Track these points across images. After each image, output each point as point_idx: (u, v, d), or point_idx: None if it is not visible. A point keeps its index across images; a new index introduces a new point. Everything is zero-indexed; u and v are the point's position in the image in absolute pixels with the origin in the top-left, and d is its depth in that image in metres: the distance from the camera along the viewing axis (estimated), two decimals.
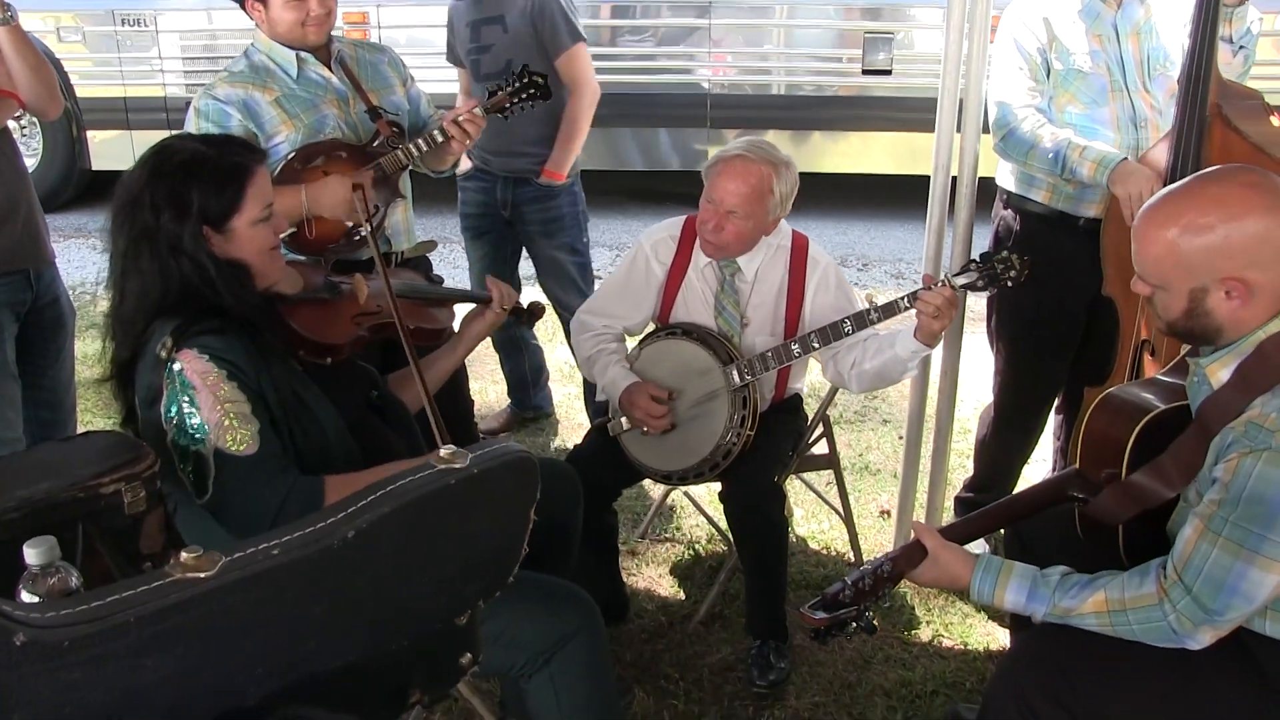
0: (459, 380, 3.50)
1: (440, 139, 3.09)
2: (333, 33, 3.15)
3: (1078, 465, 2.40)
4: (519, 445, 1.47)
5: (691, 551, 3.77)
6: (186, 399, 2.05)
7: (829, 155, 7.34)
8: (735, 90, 7.33)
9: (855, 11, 7.07)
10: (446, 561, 1.38)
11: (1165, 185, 2.64)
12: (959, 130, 3.23)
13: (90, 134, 7.48)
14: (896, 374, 3.04)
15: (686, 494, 3.78)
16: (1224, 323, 2.02)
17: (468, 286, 2.89)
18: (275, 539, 1.12)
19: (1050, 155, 3.01)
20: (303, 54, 3.08)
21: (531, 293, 4.09)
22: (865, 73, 7.05)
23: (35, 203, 3.21)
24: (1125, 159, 2.93)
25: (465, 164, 4.19)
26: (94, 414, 4.55)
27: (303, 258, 2.97)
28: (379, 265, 2.59)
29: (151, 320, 2.13)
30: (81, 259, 6.81)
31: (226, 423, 2.04)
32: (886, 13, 7.02)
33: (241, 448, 2.05)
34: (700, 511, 3.77)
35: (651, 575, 3.64)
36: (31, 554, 1.38)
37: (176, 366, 2.06)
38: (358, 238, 3.04)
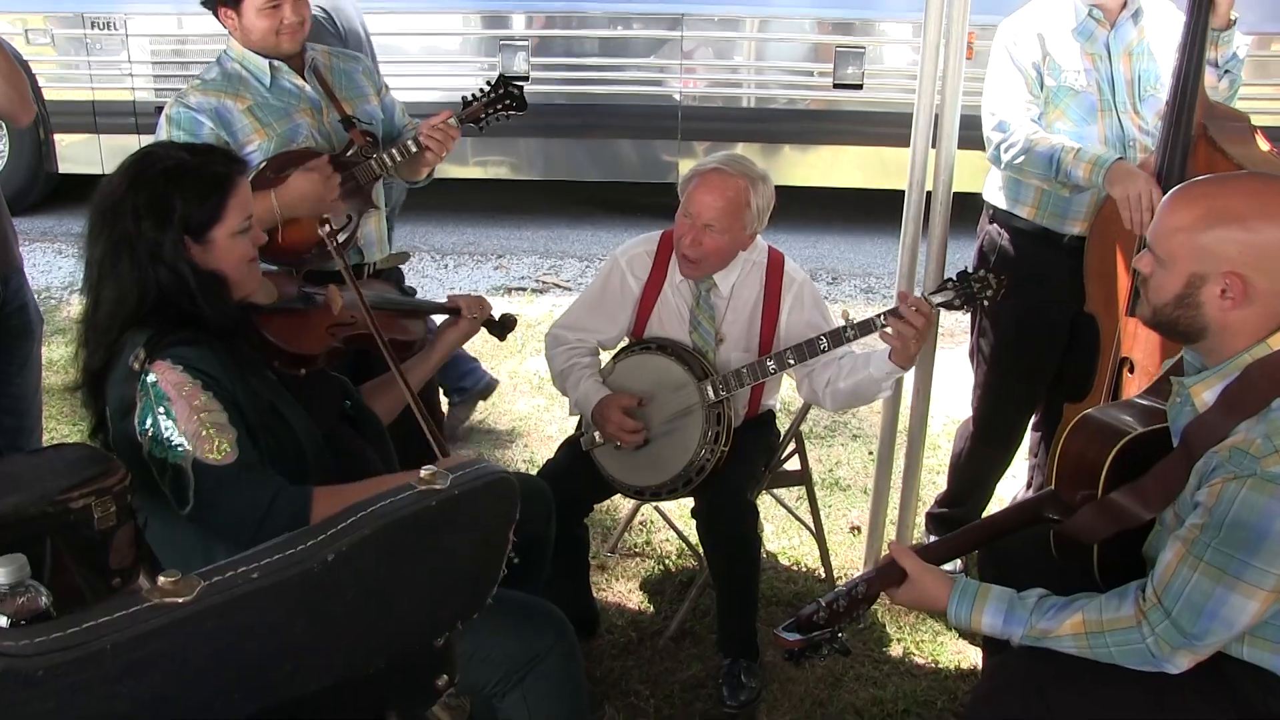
0: (428, 393, 3.47)
1: (414, 149, 3.07)
2: (305, 42, 3.12)
3: (1053, 486, 2.40)
4: (498, 465, 1.46)
5: (662, 566, 3.76)
6: (162, 410, 2.02)
7: (800, 168, 7.36)
8: (706, 103, 7.34)
9: (827, 26, 7.09)
10: (425, 583, 1.36)
11: None
12: (934, 145, 3.23)
13: (58, 137, 7.39)
14: (871, 394, 3.04)
15: (657, 508, 3.77)
16: (1210, 322, 2.01)
17: (442, 299, 2.87)
18: (254, 561, 1.10)
19: (1045, 159, 3.01)
20: (276, 62, 3.06)
21: None
22: (836, 86, 7.07)
23: (3, 208, 3.16)
24: (1121, 159, 2.94)
25: None
26: (59, 420, 4.49)
27: (275, 268, 2.94)
28: (348, 276, 2.57)
29: (125, 328, 2.10)
30: (48, 263, 6.73)
31: (204, 433, 2.02)
32: (858, 27, 7.05)
33: (220, 457, 2.03)
34: (671, 526, 3.76)
35: (622, 590, 3.62)
36: (0, 572, 1.35)
37: (151, 378, 2.04)
38: (331, 247, 3.01)
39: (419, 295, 3.13)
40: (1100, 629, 2.03)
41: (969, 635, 3.32)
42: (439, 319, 2.91)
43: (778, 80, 7.24)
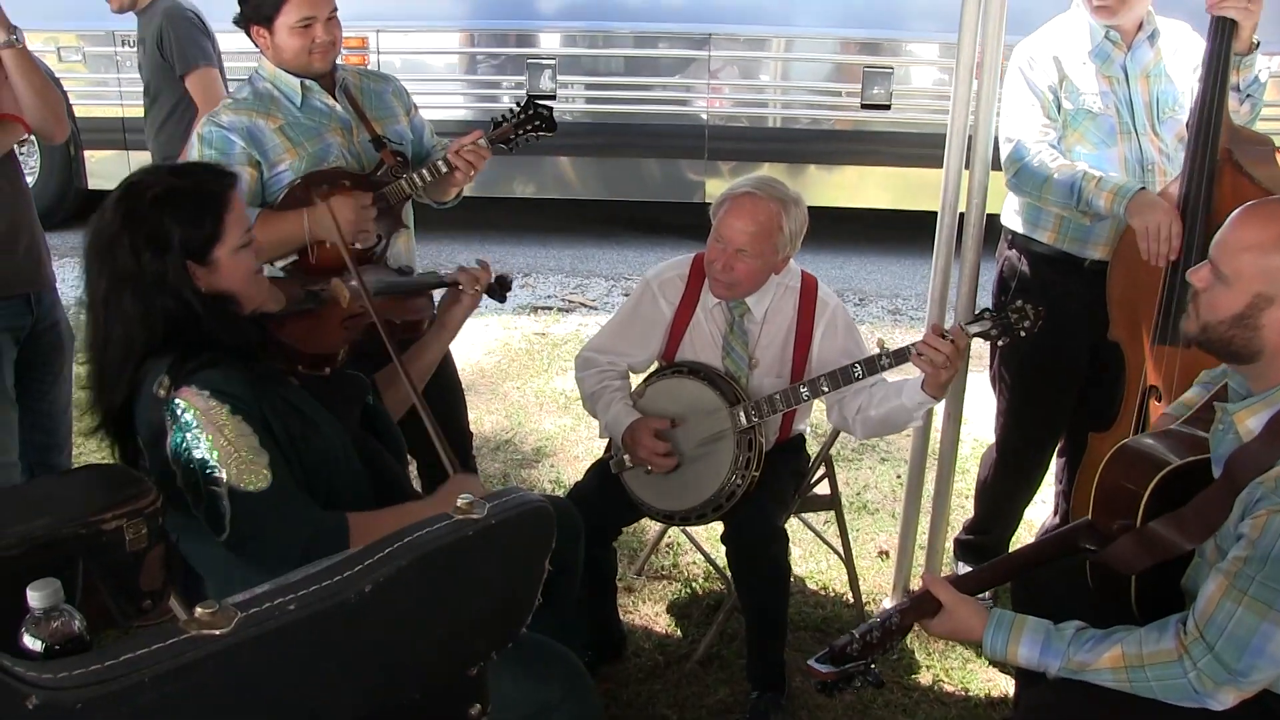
0: (457, 411, 3.45)
1: (444, 170, 3.06)
2: (336, 61, 3.13)
3: (1090, 516, 2.37)
4: (536, 494, 1.44)
5: (689, 589, 3.73)
6: (193, 437, 2.00)
7: (827, 188, 7.34)
8: (733, 122, 7.33)
9: (854, 46, 7.08)
10: (461, 612, 1.34)
11: None
12: (967, 167, 3.21)
13: (87, 153, 7.46)
14: (901, 423, 3.02)
15: (684, 531, 3.75)
16: (1266, 345, 1.97)
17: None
18: (291, 593, 1.09)
19: (1066, 187, 2.98)
20: (307, 82, 3.06)
21: None
22: (864, 107, 7.05)
23: (37, 226, 3.18)
24: (1143, 188, 2.91)
25: None
26: (87, 436, 4.48)
27: (281, 274, 2.93)
28: (350, 265, 2.54)
29: (142, 362, 2.07)
30: (77, 280, 6.73)
31: (238, 459, 2.00)
32: (886, 47, 7.04)
33: (255, 485, 2.00)
34: (698, 549, 3.73)
35: (648, 613, 3.59)
36: (35, 597, 1.34)
37: (179, 405, 2.01)
38: (376, 248, 3.01)
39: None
40: (1140, 663, 1.99)
41: (999, 663, 3.28)
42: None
43: (805, 100, 7.23)
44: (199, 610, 1.03)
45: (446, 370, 3.36)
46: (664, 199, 7.65)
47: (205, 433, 2.00)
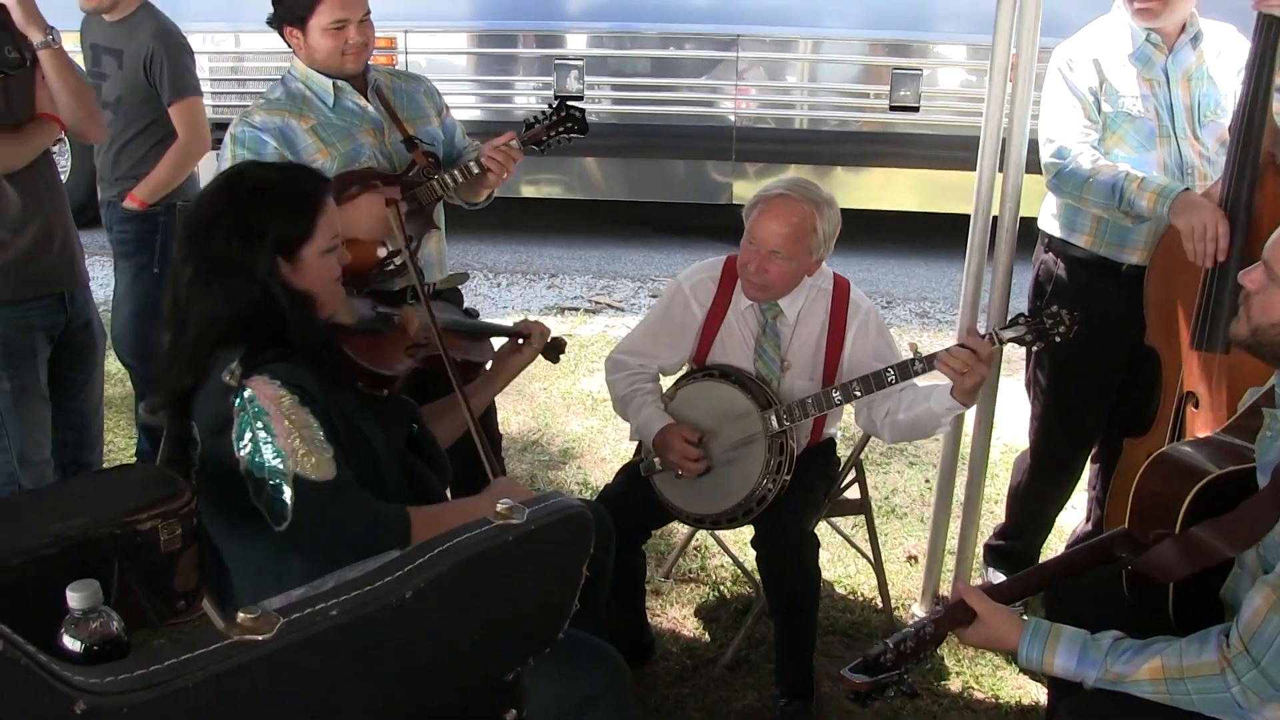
0: (488, 414, 3.46)
1: (476, 171, 3.06)
2: (368, 62, 3.13)
3: (1127, 525, 2.34)
4: (575, 499, 1.43)
5: (717, 592, 3.72)
6: (261, 425, 2.01)
7: (855, 190, 7.31)
8: (761, 123, 7.31)
9: (883, 47, 7.05)
10: (499, 618, 1.33)
11: None
12: (1000, 170, 3.19)
13: None
14: (929, 428, 3.00)
15: (712, 533, 3.73)
16: None
17: (496, 318, 2.89)
18: (333, 598, 1.08)
19: (1108, 187, 2.95)
20: (339, 82, 3.06)
21: None
22: (893, 109, 7.03)
23: (72, 226, 3.20)
24: (1187, 189, 2.88)
25: None
26: (116, 434, 4.52)
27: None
28: (422, 296, 2.58)
29: (214, 349, 2.09)
30: (105, 278, 6.77)
31: (303, 448, 2.01)
32: (915, 49, 7.01)
33: (319, 473, 2.01)
34: (726, 551, 3.72)
35: (676, 616, 3.58)
36: (74, 598, 1.34)
37: (247, 393, 2.02)
38: (390, 267, 3.00)
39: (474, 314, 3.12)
40: (1180, 675, 1.97)
41: (1030, 671, 3.25)
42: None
43: (833, 102, 7.20)
44: (241, 616, 1.03)
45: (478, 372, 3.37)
46: (691, 200, 7.63)
47: (272, 421, 2.01)
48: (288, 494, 2.01)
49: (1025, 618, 2.17)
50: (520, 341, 2.86)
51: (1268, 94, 2.79)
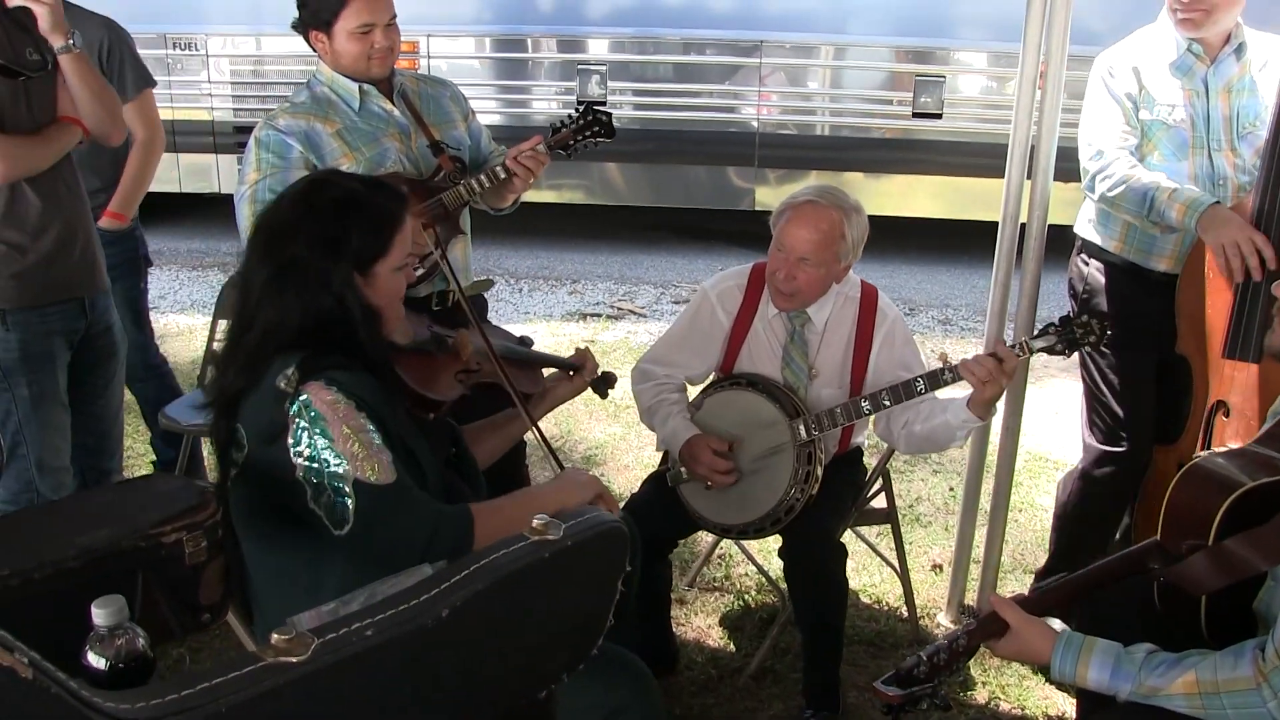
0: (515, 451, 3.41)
1: (502, 175, 3.04)
2: (393, 66, 3.11)
3: (1159, 536, 2.32)
4: (610, 515, 1.41)
5: (741, 601, 3.69)
6: (319, 431, 1.98)
7: (878, 197, 7.27)
8: (784, 129, 7.30)
9: (906, 54, 7.03)
10: (536, 635, 1.31)
11: None
12: (1029, 178, 3.17)
13: None
14: (945, 441, 2.99)
15: (737, 542, 3.70)
16: None
17: (517, 324, 2.87)
18: (368, 617, 1.06)
19: (1140, 195, 2.94)
20: (365, 86, 3.05)
21: None
22: (916, 115, 7.00)
23: (93, 230, 3.18)
24: (1217, 202, 2.85)
25: None
26: (133, 438, 4.51)
27: None
28: (475, 322, 2.58)
29: (275, 353, 2.06)
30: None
31: (362, 453, 1.98)
32: (938, 56, 6.98)
33: (379, 477, 1.99)
34: (750, 560, 3.69)
35: (701, 625, 3.56)
36: (100, 614, 1.32)
37: (304, 398, 1.99)
38: (418, 270, 2.99)
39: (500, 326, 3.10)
40: (1215, 690, 1.94)
41: (1056, 681, 3.22)
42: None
43: (856, 108, 7.18)
44: (275, 637, 1.01)
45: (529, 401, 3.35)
46: (713, 206, 7.61)
47: (329, 426, 1.98)
48: (349, 499, 1.99)
49: (1060, 630, 2.15)
50: (571, 373, 2.83)
51: None
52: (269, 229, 2.14)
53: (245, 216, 2.93)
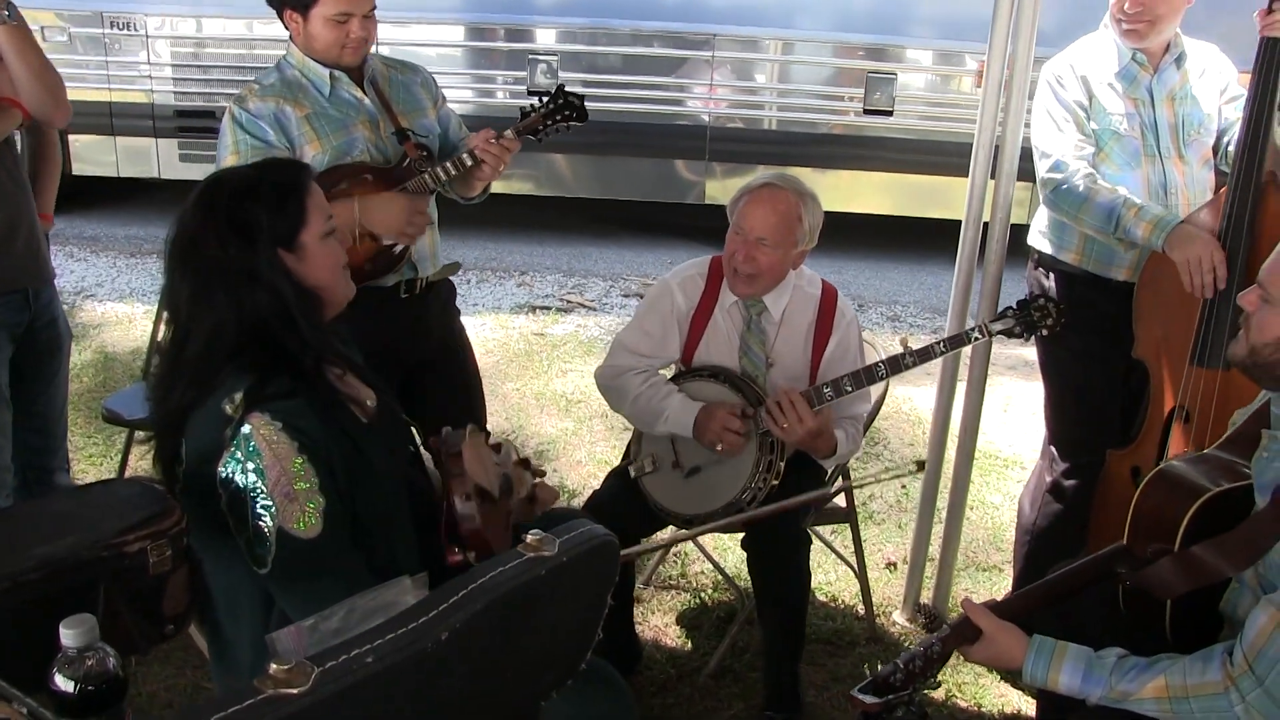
0: (475, 409, 3.33)
1: (470, 163, 2.97)
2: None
3: (1125, 541, 2.33)
4: (602, 528, 1.38)
5: (698, 600, 3.67)
6: (253, 468, 1.90)
7: (828, 192, 7.25)
8: (734, 123, 7.29)
9: (858, 51, 7.05)
10: (531, 651, 1.29)
11: None
12: (993, 178, 3.18)
13: (73, 138, 7.24)
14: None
15: (695, 541, 3.68)
16: None
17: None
18: (368, 643, 1.02)
19: (1105, 212, 2.94)
20: (336, 72, 2.96)
21: None
22: (867, 112, 7.02)
23: (36, 220, 3.07)
24: (1183, 222, 2.87)
25: None
26: (74, 432, 4.40)
27: None
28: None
29: (224, 363, 2.00)
30: (60, 267, 6.61)
31: (292, 499, 1.91)
32: (890, 53, 7.01)
33: (304, 529, 1.91)
34: (707, 558, 3.67)
35: (658, 624, 3.53)
36: (69, 635, 1.26)
37: (245, 429, 1.92)
38: (397, 249, 2.94)
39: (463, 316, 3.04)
40: (1185, 694, 1.96)
41: (1011, 679, 3.24)
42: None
43: (808, 104, 7.19)
44: (274, 668, 0.96)
45: (467, 367, 3.31)
46: (663, 199, 7.58)
47: (265, 467, 1.90)
48: (270, 542, 1.91)
49: (1032, 635, 2.16)
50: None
51: (1270, 117, 2.80)
52: (179, 242, 2.07)
53: None
